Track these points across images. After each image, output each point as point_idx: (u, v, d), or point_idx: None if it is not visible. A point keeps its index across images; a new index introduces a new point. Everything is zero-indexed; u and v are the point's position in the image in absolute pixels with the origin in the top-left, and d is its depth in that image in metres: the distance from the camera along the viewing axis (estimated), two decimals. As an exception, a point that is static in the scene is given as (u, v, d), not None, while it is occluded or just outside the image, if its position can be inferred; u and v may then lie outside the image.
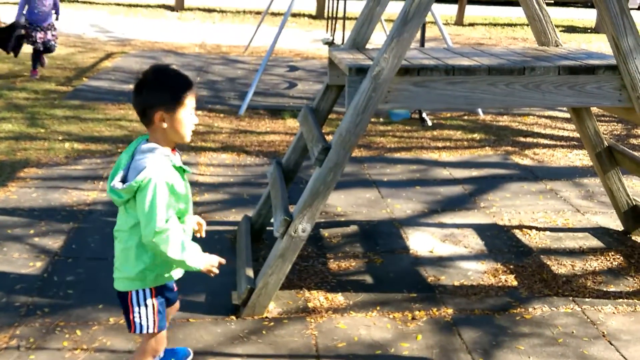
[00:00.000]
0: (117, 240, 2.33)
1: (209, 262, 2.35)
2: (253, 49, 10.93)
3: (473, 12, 17.61)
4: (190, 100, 2.23)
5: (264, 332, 3.07)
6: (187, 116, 2.23)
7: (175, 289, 2.60)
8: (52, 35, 8.18)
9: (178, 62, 9.82)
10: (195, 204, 4.36)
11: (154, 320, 2.32)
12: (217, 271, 2.38)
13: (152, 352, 2.43)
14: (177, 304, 2.67)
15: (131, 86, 7.45)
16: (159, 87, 2.19)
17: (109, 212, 4.36)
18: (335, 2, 8.00)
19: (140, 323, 2.31)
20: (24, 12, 7.91)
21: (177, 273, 2.43)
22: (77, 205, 4.44)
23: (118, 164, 2.25)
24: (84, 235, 3.99)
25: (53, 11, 8.14)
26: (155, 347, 2.42)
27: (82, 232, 4.04)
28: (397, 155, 5.94)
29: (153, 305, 2.31)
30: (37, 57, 8.29)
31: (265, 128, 6.56)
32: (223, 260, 2.42)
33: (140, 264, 2.26)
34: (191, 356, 2.81)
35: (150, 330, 2.34)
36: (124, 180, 2.20)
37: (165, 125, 2.20)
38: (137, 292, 2.30)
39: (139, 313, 2.30)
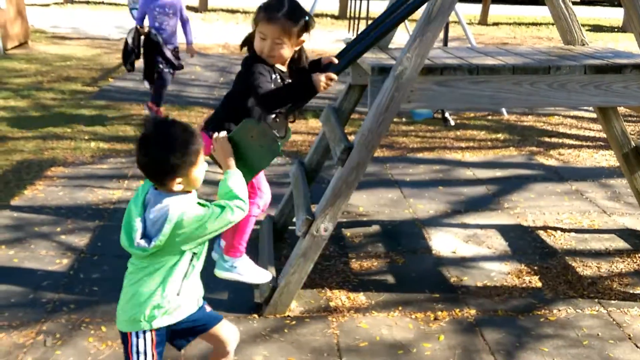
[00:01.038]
0: (127, 277, 2.20)
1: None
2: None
3: (497, 11, 17.45)
4: (201, 157, 2.13)
5: (285, 330, 3.09)
6: (200, 171, 2.16)
7: (208, 309, 2.38)
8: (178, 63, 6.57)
9: (202, 63, 9.90)
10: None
11: None
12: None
13: None
14: (221, 331, 2.38)
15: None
16: (174, 151, 2.05)
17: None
18: (358, 1, 7.99)
19: None
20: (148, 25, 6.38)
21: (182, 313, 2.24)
22: (103, 204, 4.51)
23: (129, 216, 2.11)
24: (109, 233, 4.04)
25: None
26: None
27: (108, 230, 4.10)
28: (420, 155, 5.91)
29: (152, 349, 2.16)
30: (162, 87, 6.54)
31: (287, 128, 6.57)
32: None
33: (146, 304, 2.13)
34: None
35: None
36: (144, 235, 2.07)
37: (181, 187, 2.11)
38: (136, 334, 2.15)
39: (137, 358, 2.15)
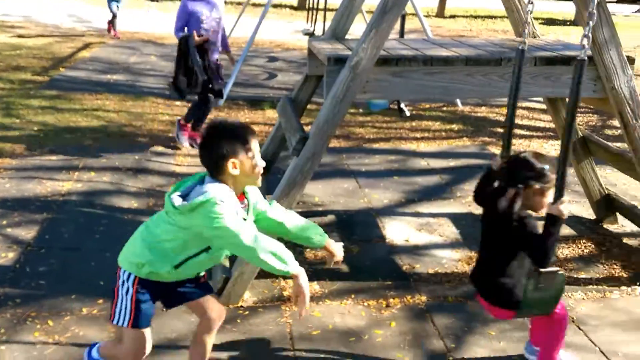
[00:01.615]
0: (142, 227, 2.34)
1: (303, 284, 2.22)
2: (233, 39, 10.82)
3: (454, 4, 17.66)
4: (255, 145, 2.24)
5: (238, 320, 3.08)
6: (256, 160, 2.23)
7: (203, 280, 2.46)
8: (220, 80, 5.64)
9: (158, 52, 9.73)
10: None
11: (131, 316, 2.26)
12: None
13: (128, 353, 2.34)
14: (209, 303, 2.46)
15: (109, 76, 7.43)
16: (229, 137, 2.20)
17: (83, 202, 4.33)
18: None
19: (118, 313, 2.28)
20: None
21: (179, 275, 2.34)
22: (52, 196, 4.39)
23: (184, 181, 2.28)
24: (57, 225, 3.95)
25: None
26: (132, 347, 2.32)
27: (56, 222, 4.00)
28: (376, 145, 5.96)
29: (133, 299, 2.26)
30: (205, 108, 5.68)
31: (244, 119, 6.54)
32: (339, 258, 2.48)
33: (145, 255, 2.24)
34: None
35: (123, 324, 2.27)
36: (183, 197, 2.20)
37: (237, 171, 2.19)
38: (127, 275, 2.28)
39: (120, 302, 2.27)
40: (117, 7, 10.71)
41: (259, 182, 2.29)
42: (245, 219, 2.23)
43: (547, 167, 2.57)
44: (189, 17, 5.38)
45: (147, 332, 2.33)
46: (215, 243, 2.22)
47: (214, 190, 2.14)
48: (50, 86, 7.43)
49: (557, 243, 2.54)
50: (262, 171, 2.27)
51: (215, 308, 2.47)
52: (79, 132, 5.79)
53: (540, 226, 2.52)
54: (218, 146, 2.18)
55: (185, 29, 5.40)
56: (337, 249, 2.47)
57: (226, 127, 2.26)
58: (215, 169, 2.21)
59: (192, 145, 5.58)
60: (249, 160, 2.21)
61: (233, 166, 2.18)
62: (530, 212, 2.57)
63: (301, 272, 2.21)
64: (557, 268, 2.55)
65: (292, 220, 2.46)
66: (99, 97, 7.07)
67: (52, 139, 5.58)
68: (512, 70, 2.90)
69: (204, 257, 2.27)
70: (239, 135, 2.22)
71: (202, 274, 2.46)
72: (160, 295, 2.38)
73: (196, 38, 5.31)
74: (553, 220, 2.48)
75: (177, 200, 2.18)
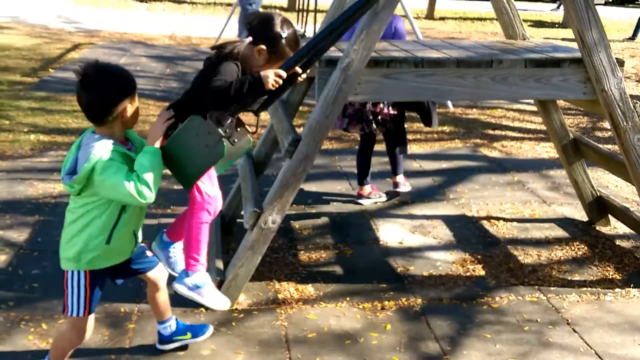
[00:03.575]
0: (66, 216, 2.38)
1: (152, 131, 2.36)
2: (224, 40, 10.85)
3: (444, 6, 17.74)
4: (135, 96, 2.32)
5: (233, 323, 3.07)
6: (135, 111, 2.31)
7: (148, 254, 2.59)
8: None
9: (148, 54, 9.69)
10: (163, 196, 4.32)
11: (85, 305, 2.35)
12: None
13: (75, 338, 2.44)
14: (156, 271, 2.61)
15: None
16: (119, 83, 2.25)
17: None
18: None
19: (71, 305, 2.35)
20: None
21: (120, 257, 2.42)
22: (43, 198, 4.36)
23: (67, 155, 2.30)
24: (50, 228, 3.92)
25: None
26: (80, 334, 2.43)
27: (48, 225, 3.97)
28: (368, 147, 5.95)
29: (86, 290, 2.34)
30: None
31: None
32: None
33: (75, 245, 2.30)
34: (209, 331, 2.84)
35: (79, 314, 2.37)
36: (72, 172, 2.24)
37: (128, 114, 2.27)
38: (72, 272, 2.34)
39: (71, 295, 2.34)
40: None
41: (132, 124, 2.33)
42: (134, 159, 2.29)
43: (285, 35, 2.55)
44: None
45: (92, 317, 2.43)
46: (118, 200, 2.25)
47: (98, 150, 2.18)
48: (39, 87, 7.38)
49: (243, 105, 2.47)
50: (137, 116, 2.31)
51: (162, 277, 2.65)
52: (69, 134, 5.75)
53: None
54: (107, 91, 2.22)
55: None
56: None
57: (113, 71, 2.29)
58: (101, 115, 2.24)
59: None
60: (133, 106, 2.27)
61: (123, 112, 2.24)
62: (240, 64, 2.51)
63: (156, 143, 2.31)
64: (223, 133, 2.36)
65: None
66: (90, 99, 7.02)
67: (42, 141, 5.54)
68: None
69: (126, 218, 2.31)
70: (128, 80, 2.27)
71: (140, 240, 2.51)
72: (111, 274, 2.47)
73: None
74: (254, 80, 2.40)
75: (67, 179, 2.22)
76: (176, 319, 2.81)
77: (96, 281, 2.38)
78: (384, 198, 4.67)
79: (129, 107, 2.26)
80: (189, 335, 2.78)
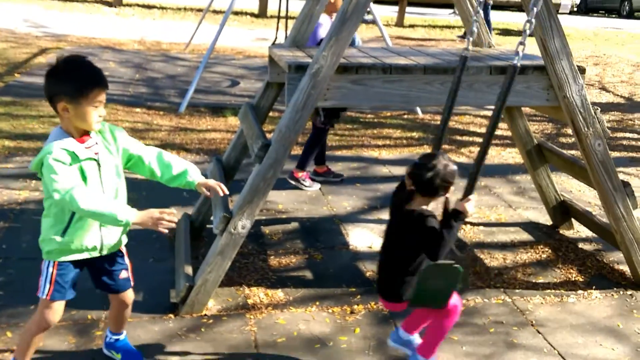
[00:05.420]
0: None
1: (146, 214, 2.31)
2: (194, 46, 10.79)
3: (413, 13, 17.94)
4: (97, 95, 2.26)
5: (202, 329, 3.06)
6: (92, 109, 2.27)
7: (123, 276, 2.60)
8: None
9: (116, 59, 9.59)
10: (133, 202, 4.27)
11: (49, 288, 2.43)
12: (168, 224, 2.29)
13: (41, 321, 2.49)
14: (129, 293, 2.66)
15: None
16: (66, 78, 2.24)
17: (41, 211, 4.21)
18: (278, 0, 7.98)
19: (40, 286, 2.45)
20: None
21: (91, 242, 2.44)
22: (8, 204, 4.29)
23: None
24: (15, 235, 3.85)
25: None
26: (46, 317, 2.48)
27: (14, 231, 3.90)
28: (338, 153, 6.00)
29: (52, 273, 2.43)
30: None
31: (206, 126, 6.50)
32: (169, 211, 2.33)
33: (41, 235, 2.41)
34: None
35: (43, 295, 2.44)
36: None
37: (68, 115, 2.26)
38: (47, 262, 2.46)
39: (42, 277, 2.45)
40: None
41: (94, 127, 2.31)
42: (94, 159, 2.32)
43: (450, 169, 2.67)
44: None
45: (58, 305, 2.48)
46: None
47: (49, 146, 2.24)
48: (5, 92, 7.24)
49: (454, 240, 2.53)
50: (99, 120, 2.31)
51: (131, 297, 2.69)
52: (35, 139, 5.66)
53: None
54: (56, 83, 2.24)
55: None
56: (212, 184, 2.52)
57: (74, 65, 2.26)
58: (50, 103, 2.28)
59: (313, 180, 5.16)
60: (84, 108, 2.24)
61: (63, 108, 2.24)
62: (430, 209, 2.60)
63: (135, 215, 2.28)
64: (452, 261, 2.50)
65: (163, 164, 2.60)
66: (56, 104, 6.92)
67: (7, 147, 5.44)
68: (454, 75, 2.96)
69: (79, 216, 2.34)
70: (81, 79, 2.23)
71: (125, 242, 2.58)
72: (93, 274, 2.55)
73: None
74: (456, 216, 2.53)
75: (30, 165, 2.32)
76: (125, 337, 2.82)
77: (67, 274, 2.44)
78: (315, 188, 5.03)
79: (71, 108, 2.23)
80: (119, 356, 2.80)
